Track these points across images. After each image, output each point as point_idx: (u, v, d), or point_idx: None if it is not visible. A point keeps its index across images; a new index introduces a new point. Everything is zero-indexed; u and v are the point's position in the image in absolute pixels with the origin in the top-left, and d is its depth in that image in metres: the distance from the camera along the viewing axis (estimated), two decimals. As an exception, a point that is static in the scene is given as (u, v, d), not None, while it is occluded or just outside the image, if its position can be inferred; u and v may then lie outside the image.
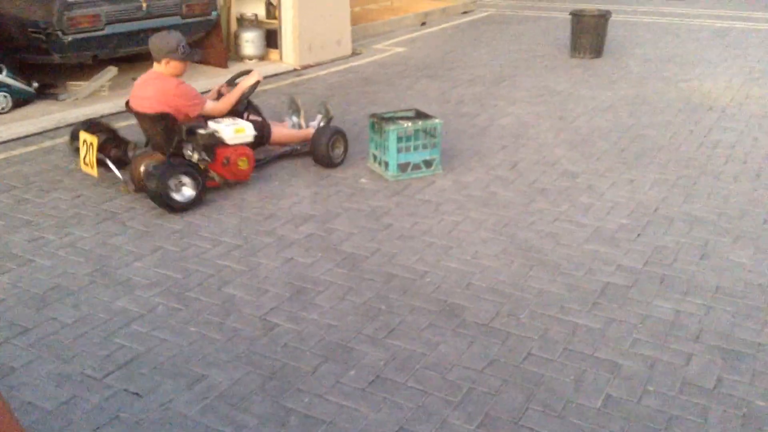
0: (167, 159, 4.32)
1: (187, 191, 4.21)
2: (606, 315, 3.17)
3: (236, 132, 4.51)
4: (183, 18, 7.02)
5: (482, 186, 4.65)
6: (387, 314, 3.17)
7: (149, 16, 6.70)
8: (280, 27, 8.01)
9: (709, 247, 3.78)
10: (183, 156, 4.32)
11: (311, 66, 8.16)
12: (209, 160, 4.33)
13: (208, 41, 7.64)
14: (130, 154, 4.61)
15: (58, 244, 3.83)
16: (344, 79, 7.59)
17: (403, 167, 4.78)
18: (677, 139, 5.48)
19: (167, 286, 3.40)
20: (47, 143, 5.49)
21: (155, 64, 4.49)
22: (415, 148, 4.79)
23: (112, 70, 6.77)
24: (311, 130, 5.09)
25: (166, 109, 4.32)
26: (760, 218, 4.12)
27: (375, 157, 4.95)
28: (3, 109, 6.07)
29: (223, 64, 7.70)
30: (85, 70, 7.03)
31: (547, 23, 10.98)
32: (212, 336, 3.01)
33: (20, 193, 4.51)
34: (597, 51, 8.36)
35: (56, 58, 6.35)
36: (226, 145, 4.45)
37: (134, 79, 6.95)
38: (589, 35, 8.31)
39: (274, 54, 8.16)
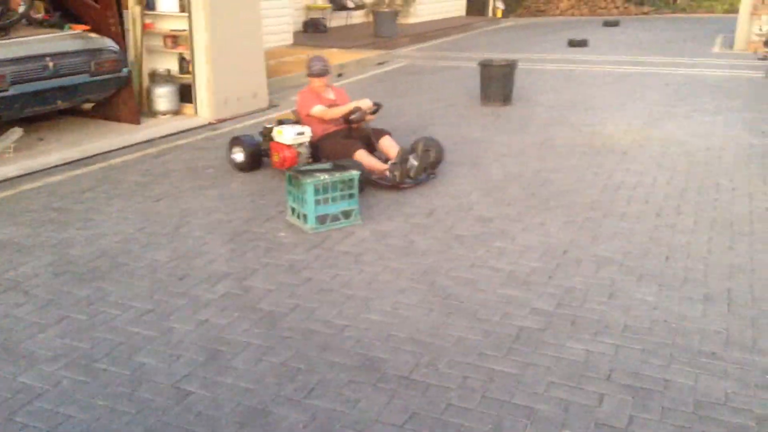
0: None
1: (239, 157, 6.05)
2: (521, 359, 3.23)
3: (278, 133, 5.80)
4: (92, 76, 6.89)
5: (401, 234, 4.70)
6: (306, 373, 3.13)
7: (56, 75, 6.54)
8: (194, 82, 7.97)
9: (615, 287, 3.92)
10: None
11: (227, 119, 8.12)
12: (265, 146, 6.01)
13: (119, 98, 7.52)
14: None
15: (-45, 318, 3.62)
16: (261, 133, 7.58)
17: (321, 219, 4.78)
18: (583, 182, 5.72)
19: (73, 357, 3.25)
20: (-55, 210, 5.23)
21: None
22: (333, 199, 4.81)
23: (17, 131, 6.56)
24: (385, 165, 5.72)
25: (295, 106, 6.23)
26: (662, 256, 4.32)
27: (293, 210, 4.94)
28: None
29: (135, 121, 7.57)
30: (-12, 131, 6.78)
31: (459, 73, 11.35)
32: (121, 409, 2.88)
33: None
34: (506, 98, 8.69)
35: (-42, 120, 6.10)
36: (274, 141, 5.82)
37: (41, 139, 6.77)
38: (497, 84, 8.64)
39: (188, 108, 8.09)
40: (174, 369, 3.16)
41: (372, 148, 5.85)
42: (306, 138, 5.79)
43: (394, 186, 5.52)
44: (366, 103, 5.91)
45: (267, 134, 6.01)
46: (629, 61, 12.36)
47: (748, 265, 4.17)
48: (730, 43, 14.21)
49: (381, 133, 5.96)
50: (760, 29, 13.06)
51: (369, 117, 5.95)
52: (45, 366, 3.19)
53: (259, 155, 6.08)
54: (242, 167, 6.06)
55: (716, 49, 13.94)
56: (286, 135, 5.70)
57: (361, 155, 5.60)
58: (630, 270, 4.13)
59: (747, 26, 13.45)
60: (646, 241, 4.53)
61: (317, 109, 5.88)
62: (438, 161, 5.98)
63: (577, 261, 4.26)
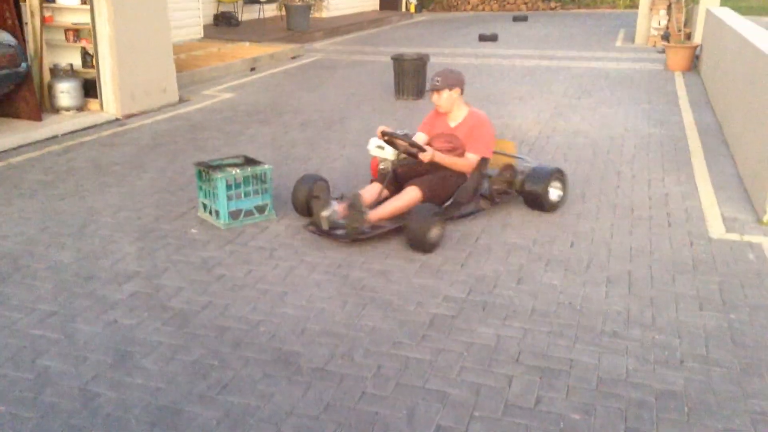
0: None
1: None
2: (435, 345, 3.29)
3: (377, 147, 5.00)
4: (-13, 70, 6.54)
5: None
6: (219, 370, 3.09)
7: (-54, 69, 6.17)
8: (99, 76, 7.68)
9: (524, 272, 4.05)
10: None
11: (135, 114, 7.88)
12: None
13: (18, 94, 7.16)
14: None
15: None
16: (172, 127, 7.41)
17: (234, 215, 4.72)
18: (494, 172, 5.87)
19: (-29, 364, 3.10)
20: None
21: None
22: (246, 194, 4.76)
23: None
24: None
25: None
26: (567, 242, 4.49)
27: (205, 206, 4.85)
28: None
29: (36, 117, 7.24)
30: None
31: (373, 67, 11.40)
32: (24, 415, 2.77)
33: None
34: (419, 92, 8.80)
35: None
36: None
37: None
38: (410, 78, 8.74)
39: (93, 104, 7.79)
40: (80, 371, 3.05)
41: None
42: (386, 155, 4.88)
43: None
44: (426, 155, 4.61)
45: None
46: (537, 55, 12.74)
47: (647, 248, 4.39)
48: (631, 38, 14.88)
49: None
50: (659, 24, 13.73)
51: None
52: (-61, 376, 3.02)
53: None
54: None
55: (619, 43, 14.56)
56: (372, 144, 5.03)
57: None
58: (538, 256, 4.28)
59: (646, 21, 14.11)
60: (553, 228, 4.70)
61: (419, 137, 4.93)
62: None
63: (488, 249, 4.37)
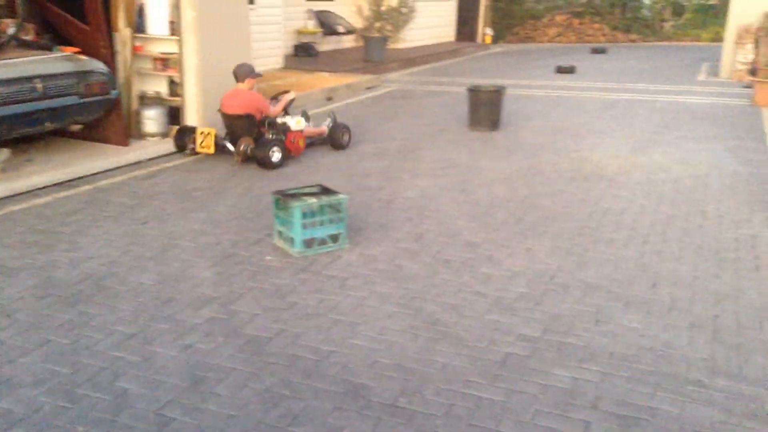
0: (261, 138, 7.07)
1: (276, 156, 6.89)
2: (508, 386, 3.21)
3: (296, 123, 7.40)
4: (81, 98, 6.88)
5: (388, 259, 4.69)
6: (290, 400, 3.10)
7: (45, 96, 6.53)
8: (184, 104, 7.98)
9: (602, 314, 3.92)
10: (264, 138, 7.05)
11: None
12: (283, 138, 7.16)
13: (107, 120, 7.50)
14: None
15: (-66, 342, 3.56)
16: (250, 155, 7.58)
17: (308, 243, 4.77)
18: (570, 208, 5.75)
19: (55, 382, 3.20)
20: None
21: (239, 83, 7.21)
22: (321, 223, 4.81)
23: (4, 152, 6.52)
24: (324, 128, 7.80)
25: (249, 110, 7.07)
26: (648, 283, 4.33)
27: (281, 234, 4.93)
28: None
29: (123, 143, 7.56)
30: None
31: (448, 98, 11.43)
32: (103, 435, 2.84)
33: None
34: (494, 124, 8.75)
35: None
36: (291, 131, 7.27)
37: (28, 160, 6.75)
38: (485, 109, 8.71)
39: (177, 131, 8.07)
40: (156, 395, 3.12)
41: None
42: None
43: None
44: (290, 95, 7.72)
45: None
46: (616, 88, 12.50)
47: (734, 292, 4.19)
48: (715, 71, 14.43)
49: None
50: (745, 58, 13.26)
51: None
52: (26, 391, 3.14)
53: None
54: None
55: (702, 77, 14.14)
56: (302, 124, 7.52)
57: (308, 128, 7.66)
58: (616, 296, 4.14)
59: (731, 55, 13.67)
60: (632, 268, 4.55)
61: (271, 109, 7.42)
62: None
63: (564, 287, 4.26)
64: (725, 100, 11.10)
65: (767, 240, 5.03)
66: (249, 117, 7.05)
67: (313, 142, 7.76)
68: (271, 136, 7.07)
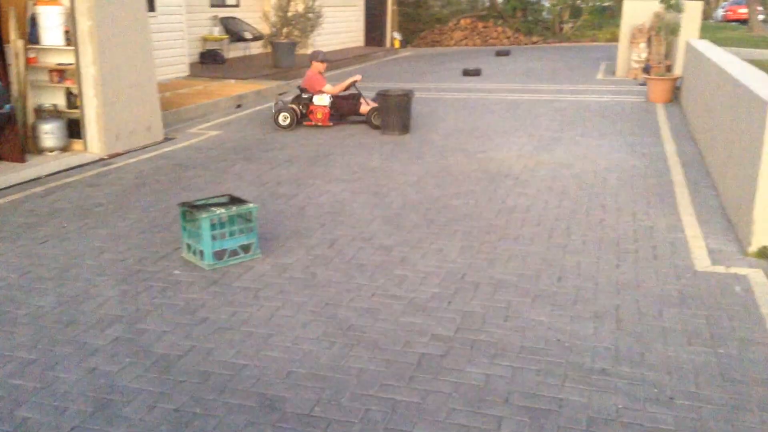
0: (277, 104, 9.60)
1: (285, 121, 9.24)
2: (423, 387, 3.24)
3: (318, 99, 9.37)
4: (-31, 112, 6.50)
5: (302, 267, 4.66)
6: (202, 418, 3.02)
7: (-72, 112, 6.13)
8: (83, 117, 7.67)
9: (511, 309, 4.02)
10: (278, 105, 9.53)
11: (120, 154, 7.85)
12: (294, 107, 9.43)
13: (1, 136, 7.11)
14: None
15: None
16: (156, 166, 7.38)
17: (219, 255, 4.67)
18: (479, 207, 5.88)
19: (-54, 417, 3.01)
20: None
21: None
22: (231, 234, 4.72)
23: None
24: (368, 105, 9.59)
25: (305, 85, 9.59)
26: (554, 276, 4.47)
27: (189, 247, 4.81)
28: None
29: (19, 159, 7.19)
30: None
31: (358, 101, 11.44)
32: (0, 470, 2.69)
33: None
34: (404, 127, 8.84)
35: None
36: (314, 104, 9.41)
37: None
38: (395, 113, 8.78)
39: (77, 144, 7.76)
40: (59, 422, 2.97)
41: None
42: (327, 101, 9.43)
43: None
44: (354, 78, 9.68)
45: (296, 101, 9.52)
46: (520, 89, 12.89)
47: (634, 282, 4.38)
48: (612, 70, 15.10)
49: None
50: (639, 56, 13.94)
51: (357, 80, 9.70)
52: None
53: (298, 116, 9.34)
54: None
55: (600, 75, 14.77)
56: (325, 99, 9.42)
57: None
58: (525, 292, 4.25)
59: (627, 54, 14.34)
60: (539, 263, 4.69)
61: (328, 87, 9.54)
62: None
63: (475, 285, 4.35)
64: (622, 98, 11.64)
65: (664, 231, 5.29)
66: (304, 90, 9.50)
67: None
68: (282, 104, 9.50)
